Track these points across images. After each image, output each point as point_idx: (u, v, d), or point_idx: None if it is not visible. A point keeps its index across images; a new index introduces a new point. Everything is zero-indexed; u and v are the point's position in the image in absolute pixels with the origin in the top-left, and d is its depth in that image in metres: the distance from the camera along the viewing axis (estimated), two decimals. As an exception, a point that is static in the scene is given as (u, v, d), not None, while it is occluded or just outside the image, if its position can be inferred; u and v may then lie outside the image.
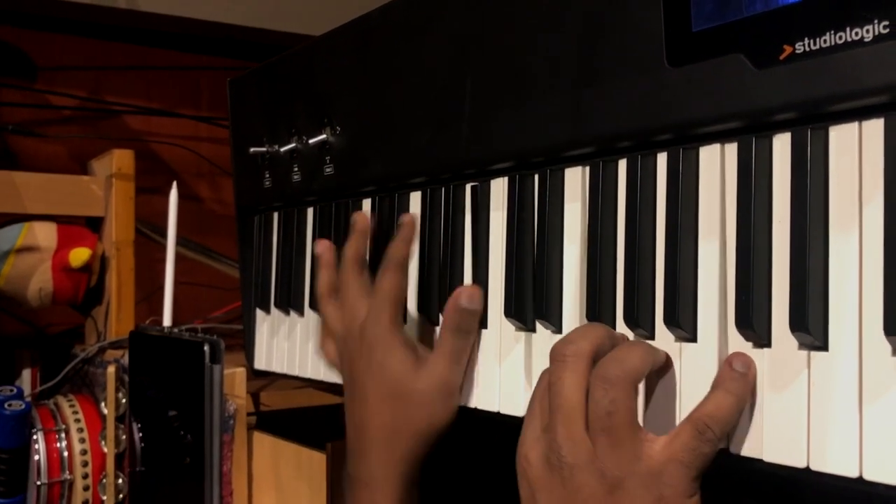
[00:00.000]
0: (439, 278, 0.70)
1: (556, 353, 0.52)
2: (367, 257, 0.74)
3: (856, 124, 0.44)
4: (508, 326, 0.64)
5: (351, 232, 0.74)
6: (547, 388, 0.52)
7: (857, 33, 0.42)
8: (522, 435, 0.53)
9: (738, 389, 0.47)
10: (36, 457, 1.05)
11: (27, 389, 1.24)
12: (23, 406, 1.03)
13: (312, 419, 1.02)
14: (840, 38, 0.42)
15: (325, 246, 0.76)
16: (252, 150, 0.89)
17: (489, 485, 0.68)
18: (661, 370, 0.52)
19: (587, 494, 0.48)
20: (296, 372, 0.89)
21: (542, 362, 0.60)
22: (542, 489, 0.50)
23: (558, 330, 0.59)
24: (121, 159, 1.24)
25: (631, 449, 0.48)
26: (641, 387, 0.52)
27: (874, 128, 0.43)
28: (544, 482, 0.50)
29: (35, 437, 1.05)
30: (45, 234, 1.21)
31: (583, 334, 0.52)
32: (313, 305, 0.85)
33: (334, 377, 0.83)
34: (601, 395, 0.48)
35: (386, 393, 0.65)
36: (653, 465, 0.47)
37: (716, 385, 0.48)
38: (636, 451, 0.48)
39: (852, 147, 0.44)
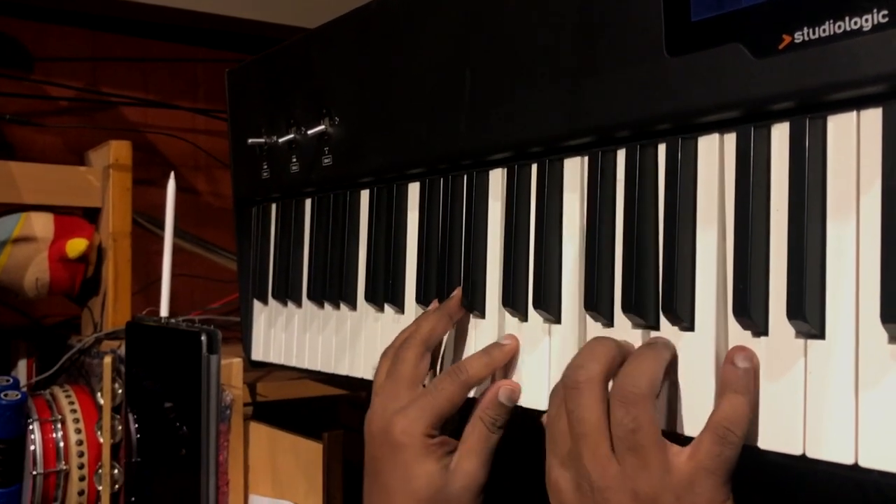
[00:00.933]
0: (438, 269, 0.70)
1: (569, 381, 0.51)
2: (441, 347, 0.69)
3: (854, 114, 0.44)
4: (506, 316, 0.64)
5: (440, 307, 0.67)
6: (562, 412, 0.52)
7: (855, 22, 0.42)
8: (548, 463, 0.53)
9: (746, 387, 0.47)
10: (32, 447, 1.05)
11: (23, 380, 1.24)
12: (19, 396, 1.03)
13: (309, 409, 1.03)
14: (839, 27, 0.43)
15: (456, 302, 0.67)
16: (250, 140, 0.89)
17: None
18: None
19: None
20: (293, 363, 0.89)
21: (539, 351, 0.61)
22: None
23: (556, 320, 0.60)
24: (118, 150, 1.24)
25: (659, 464, 0.48)
26: None
27: (872, 117, 0.43)
28: None
29: (31, 427, 1.05)
30: (41, 225, 1.21)
31: (591, 356, 0.52)
32: (310, 296, 0.85)
33: (331, 368, 0.83)
34: (622, 414, 0.48)
35: (416, 498, 0.61)
36: (682, 477, 0.47)
37: (724, 387, 0.48)
38: (664, 465, 0.48)
39: (850, 136, 0.44)
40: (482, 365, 0.62)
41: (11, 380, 1.06)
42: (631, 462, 0.48)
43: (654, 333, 0.53)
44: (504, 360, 0.62)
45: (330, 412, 1.09)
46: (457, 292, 0.67)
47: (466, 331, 0.67)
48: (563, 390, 0.52)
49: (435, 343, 0.66)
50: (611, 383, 0.51)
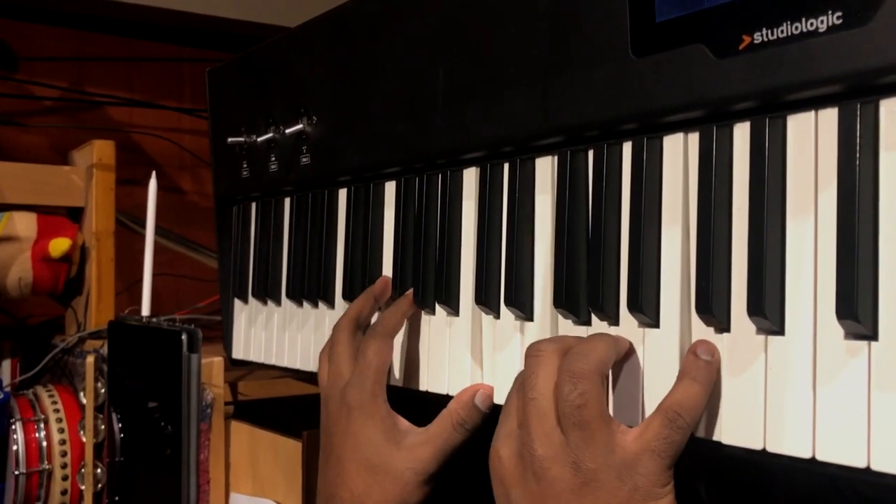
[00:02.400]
0: (413, 266, 0.71)
1: (530, 350, 0.52)
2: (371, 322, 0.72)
3: (812, 113, 0.45)
4: (479, 314, 0.65)
5: (366, 290, 0.73)
6: (518, 393, 0.53)
7: (812, 24, 0.43)
8: (496, 432, 0.54)
9: (704, 377, 0.48)
10: (14, 447, 1.05)
11: (7, 380, 1.25)
12: (2, 396, 1.03)
13: (289, 408, 1.03)
14: (796, 28, 0.43)
15: (381, 284, 0.73)
16: (230, 139, 0.90)
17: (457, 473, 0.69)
18: (625, 357, 0.53)
19: (561, 488, 0.48)
20: (273, 361, 0.89)
21: (510, 349, 0.61)
22: (516, 485, 0.51)
23: (528, 317, 0.60)
24: (102, 150, 1.25)
25: (604, 441, 0.48)
26: (609, 374, 0.53)
27: (829, 117, 0.44)
28: (517, 478, 0.51)
29: (14, 426, 1.06)
30: (25, 224, 1.21)
31: (557, 338, 0.53)
32: (290, 295, 0.86)
33: (310, 366, 0.83)
34: (569, 389, 0.49)
35: (360, 462, 0.63)
36: (626, 455, 0.48)
37: (682, 374, 0.49)
38: (609, 442, 0.48)
39: (808, 136, 0.45)
40: (392, 312, 0.68)
41: (-6, 379, 1.06)
42: (576, 436, 0.48)
43: (619, 330, 0.54)
44: (409, 307, 0.69)
45: (310, 410, 1.10)
46: (383, 278, 0.73)
47: (441, 328, 0.68)
48: (524, 361, 0.53)
49: (364, 322, 0.71)
50: None
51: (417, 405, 0.67)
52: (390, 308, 0.69)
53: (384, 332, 0.67)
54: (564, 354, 0.51)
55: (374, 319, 0.72)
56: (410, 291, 0.69)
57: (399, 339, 0.70)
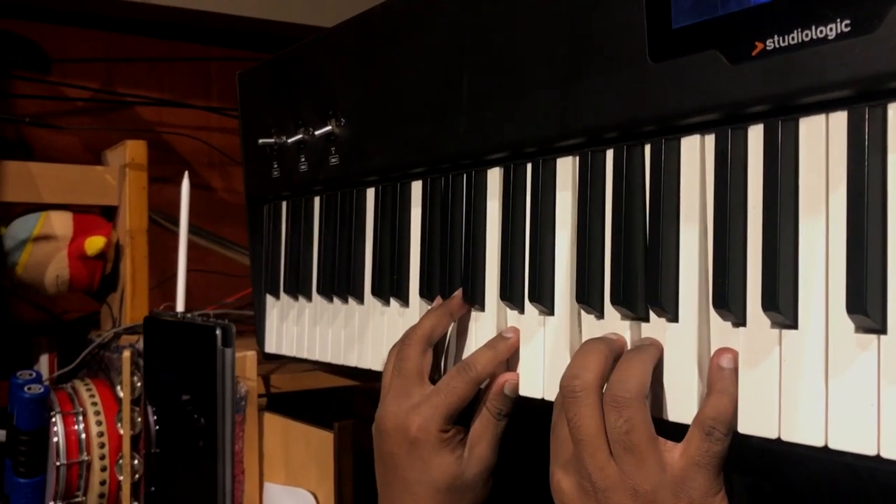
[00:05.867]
0: (440, 264, 0.73)
1: (566, 391, 0.54)
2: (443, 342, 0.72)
3: (823, 116, 0.47)
4: (504, 309, 0.67)
5: (440, 305, 0.70)
6: (562, 419, 0.55)
7: (821, 31, 0.44)
8: (551, 469, 0.57)
9: (729, 387, 0.50)
10: (55, 439, 1.08)
11: (45, 374, 1.28)
12: (41, 390, 1.07)
13: (320, 400, 1.06)
14: (807, 35, 0.45)
15: (458, 301, 0.70)
16: (261, 141, 0.92)
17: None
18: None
19: None
20: (304, 355, 0.92)
21: (535, 343, 0.64)
22: None
23: (550, 312, 0.62)
24: (134, 150, 1.27)
25: (654, 461, 0.51)
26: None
27: (839, 120, 0.46)
28: None
29: (54, 419, 1.09)
30: (61, 223, 1.24)
31: (583, 365, 0.54)
32: (321, 291, 0.88)
33: (340, 360, 0.86)
34: (615, 417, 0.51)
35: (432, 484, 0.65)
36: (676, 472, 0.50)
37: (710, 387, 0.51)
38: (660, 462, 0.51)
39: (820, 138, 0.47)
40: (488, 360, 0.65)
41: (34, 374, 1.09)
42: (628, 462, 0.51)
43: (643, 325, 0.56)
44: (508, 354, 0.65)
45: (342, 402, 1.12)
46: (458, 292, 0.70)
47: (467, 323, 0.70)
48: (562, 400, 0.55)
49: (437, 339, 0.69)
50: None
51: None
52: (488, 352, 0.65)
53: (476, 377, 0.65)
54: (601, 383, 0.53)
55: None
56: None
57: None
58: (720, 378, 0.50)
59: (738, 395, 0.50)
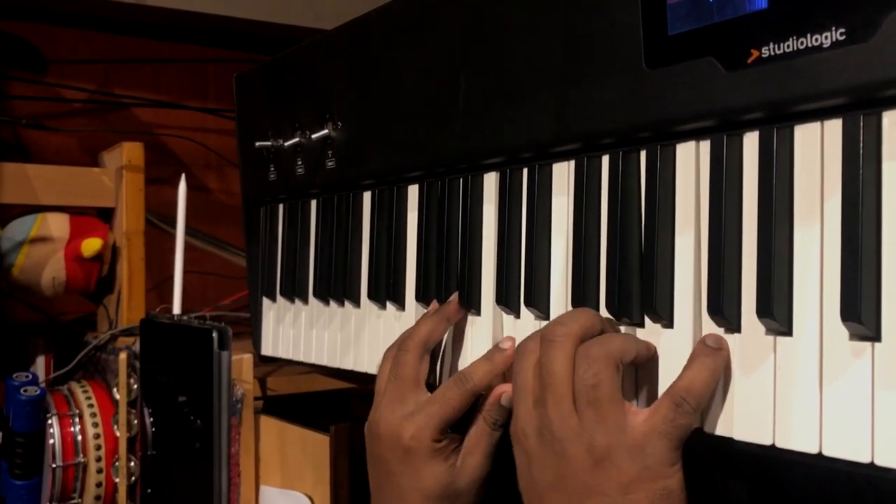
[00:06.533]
0: (436, 268, 0.73)
1: (546, 334, 0.55)
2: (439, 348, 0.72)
3: (818, 124, 0.47)
4: (500, 314, 0.67)
5: (439, 310, 0.70)
6: (529, 363, 0.56)
7: (817, 39, 0.45)
8: (515, 409, 0.57)
9: (711, 364, 0.50)
10: (51, 440, 1.08)
11: (41, 376, 1.28)
12: (38, 392, 1.07)
13: (317, 403, 1.06)
14: (802, 43, 0.45)
15: (455, 306, 0.70)
16: (258, 143, 0.92)
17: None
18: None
19: (577, 466, 0.52)
20: (300, 358, 0.92)
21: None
22: (537, 460, 0.54)
23: (546, 317, 0.63)
24: (130, 151, 1.27)
25: (615, 421, 0.51)
26: (631, 374, 0.56)
27: (834, 127, 0.46)
28: (538, 454, 0.54)
29: (50, 421, 1.09)
30: (57, 225, 1.24)
31: (573, 317, 0.55)
32: (317, 294, 0.88)
33: (336, 363, 0.86)
34: (584, 369, 0.52)
35: (423, 492, 0.64)
36: (636, 436, 0.51)
37: (691, 360, 0.51)
38: (620, 423, 0.51)
39: (815, 145, 0.47)
40: (485, 372, 0.64)
41: (30, 376, 1.09)
42: (589, 415, 0.51)
43: (638, 331, 0.56)
44: (505, 366, 0.64)
45: (338, 405, 1.13)
46: (454, 297, 0.70)
47: (463, 328, 0.70)
48: (541, 342, 0.55)
49: (433, 345, 0.69)
50: None
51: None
52: (480, 363, 0.65)
53: (473, 388, 0.64)
54: (582, 337, 0.54)
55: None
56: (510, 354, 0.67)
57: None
58: (702, 353, 0.51)
59: (733, 398, 0.50)
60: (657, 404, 0.51)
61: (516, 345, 0.63)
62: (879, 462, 0.43)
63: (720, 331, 0.51)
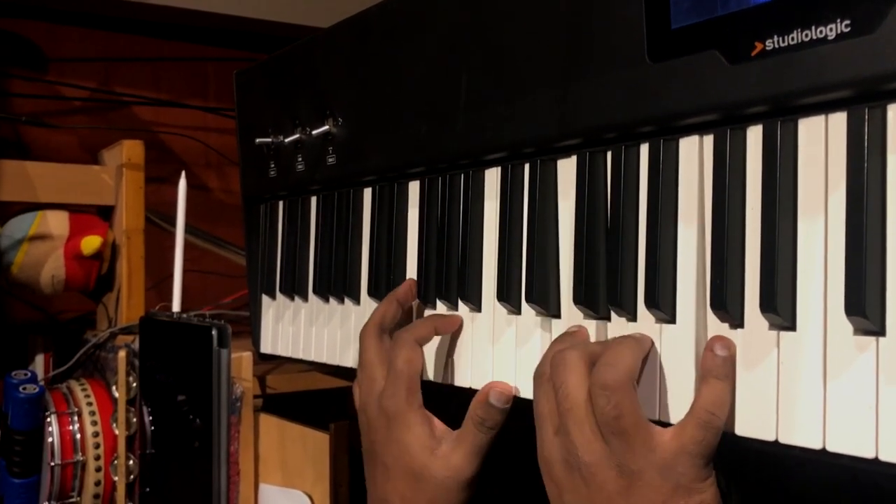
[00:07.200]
0: (436, 265, 0.73)
1: (555, 359, 0.54)
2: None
3: (822, 117, 0.47)
4: (501, 310, 0.67)
5: (389, 294, 0.74)
6: (548, 388, 0.55)
7: (821, 31, 0.44)
8: (538, 437, 0.56)
9: (726, 373, 0.50)
10: (50, 439, 1.08)
11: (40, 374, 1.27)
12: (37, 390, 1.06)
13: (316, 401, 1.05)
14: (806, 35, 0.45)
15: (406, 287, 0.74)
16: (258, 140, 0.92)
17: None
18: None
19: (609, 490, 0.51)
20: (300, 355, 0.92)
21: (531, 344, 0.63)
22: (568, 490, 0.53)
23: (547, 313, 0.62)
24: (131, 149, 1.27)
25: (643, 443, 0.50)
26: None
27: (838, 121, 0.46)
28: (568, 483, 0.53)
29: (49, 419, 1.08)
30: (57, 223, 1.24)
31: (572, 338, 0.56)
32: (317, 291, 0.88)
33: (336, 360, 0.86)
34: (604, 402, 0.51)
35: (404, 468, 0.65)
36: (666, 455, 0.50)
37: (705, 373, 0.50)
38: (648, 443, 0.50)
39: (819, 139, 0.47)
40: (424, 324, 0.69)
41: (29, 374, 1.09)
42: (616, 443, 0.51)
43: (640, 324, 0.56)
44: (446, 327, 0.69)
45: (338, 403, 1.12)
46: (408, 280, 0.74)
47: (464, 323, 0.70)
48: (550, 367, 0.54)
49: (389, 325, 0.72)
50: None
51: (458, 398, 0.69)
52: (425, 319, 0.70)
53: (412, 340, 0.67)
54: (590, 360, 0.53)
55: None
56: (449, 315, 0.70)
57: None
58: (715, 365, 0.50)
59: (736, 394, 0.50)
60: (682, 423, 0.50)
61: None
62: (884, 457, 0.43)
63: (724, 326, 0.51)
